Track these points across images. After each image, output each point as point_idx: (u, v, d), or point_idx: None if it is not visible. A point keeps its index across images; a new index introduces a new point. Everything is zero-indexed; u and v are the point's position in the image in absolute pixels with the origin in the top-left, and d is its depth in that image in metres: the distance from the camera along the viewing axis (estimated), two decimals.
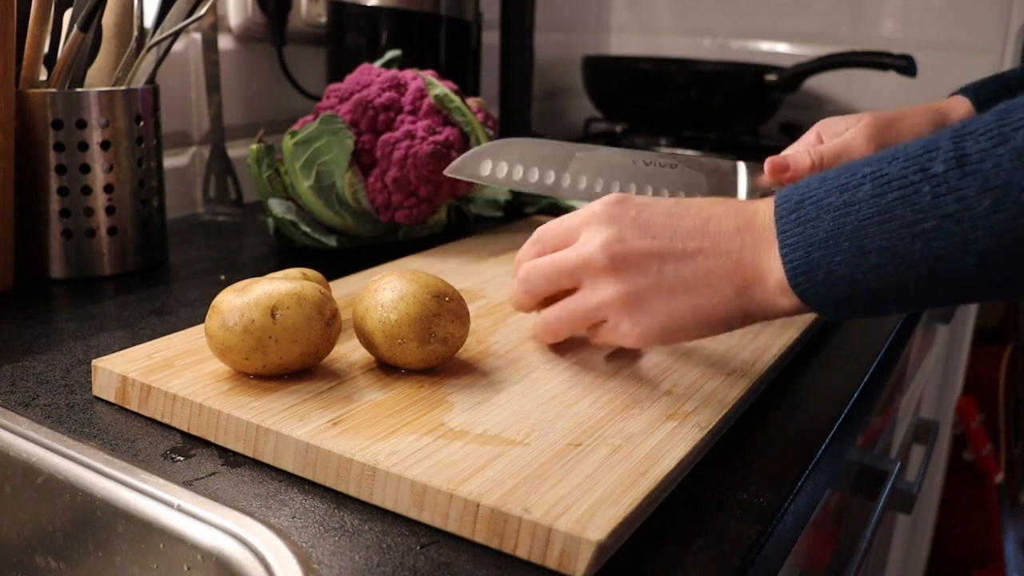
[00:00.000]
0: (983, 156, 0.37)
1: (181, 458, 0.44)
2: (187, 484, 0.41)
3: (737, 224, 0.45)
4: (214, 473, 0.42)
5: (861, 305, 0.42)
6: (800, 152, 0.64)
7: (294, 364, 0.47)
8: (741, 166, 0.66)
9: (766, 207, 0.45)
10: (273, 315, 0.45)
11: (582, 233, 0.49)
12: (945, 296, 0.40)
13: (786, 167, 0.63)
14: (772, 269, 0.44)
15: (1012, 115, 0.37)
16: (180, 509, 0.39)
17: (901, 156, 0.40)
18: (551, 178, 0.66)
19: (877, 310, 0.42)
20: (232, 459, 0.44)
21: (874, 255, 0.40)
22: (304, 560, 0.36)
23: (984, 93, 0.73)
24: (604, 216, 0.48)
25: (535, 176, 0.66)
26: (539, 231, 0.53)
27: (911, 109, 0.71)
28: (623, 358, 0.53)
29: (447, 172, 0.67)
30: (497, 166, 0.67)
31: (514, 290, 0.54)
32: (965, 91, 0.74)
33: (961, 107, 0.72)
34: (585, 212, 0.50)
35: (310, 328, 0.46)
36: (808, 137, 0.70)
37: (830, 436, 0.49)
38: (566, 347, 0.54)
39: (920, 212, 0.38)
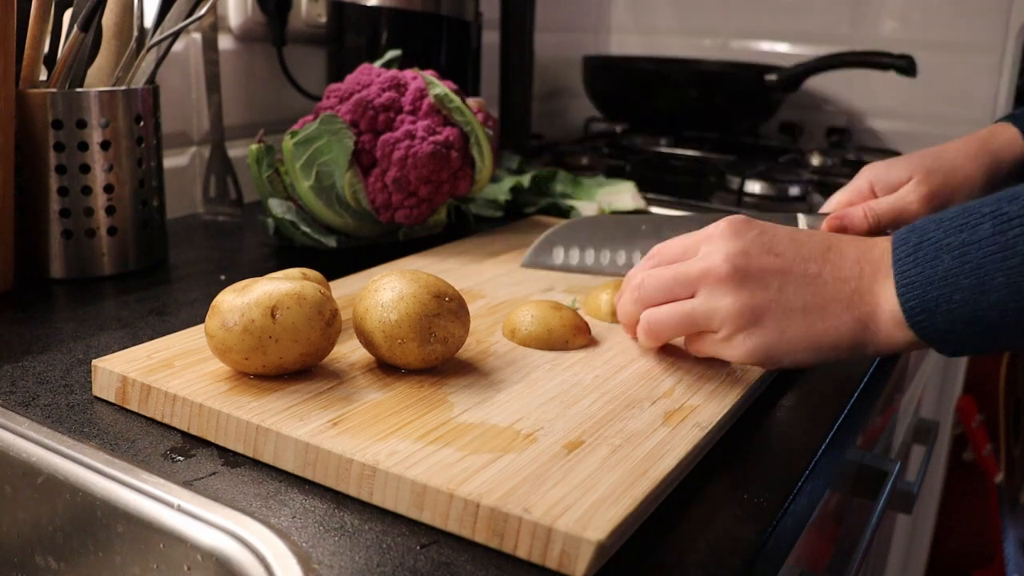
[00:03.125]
0: None
1: (181, 458, 0.44)
2: (187, 484, 0.41)
3: (857, 254, 0.47)
4: (214, 473, 0.42)
5: (979, 341, 0.43)
6: (857, 213, 0.67)
7: (294, 364, 0.47)
8: (801, 217, 0.69)
9: (884, 241, 0.46)
10: (273, 315, 0.45)
11: (703, 247, 0.50)
12: None
13: (843, 228, 0.66)
14: (888, 301, 0.45)
15: None
16: (180, 509, 0.39)
17: (1021, 196, 0.41)
18: (623, 258, 0.70)
19: (995, 346, 0.43)
20: (232, 459, 0.44)
21: (994, 292, 0.41)
22: (304, 560, 0.36)
23: None
24: (728, 232, 0.49)
25: (607, 258, 0.70)
26: (656, 248, 0.53)
27: (956, 150, 0.72)
28: (623, 358, 0.53)
29: (523, 264, 0.71)
30: (569, 253, 0.71)
31: (623, 299, 0.53)
32: (1011, 119, 0.74)
33: (1006, 135, 0.72)
34: (707, 230, 0.50)
35: (310, 328, 0.46)
36: (860, 185, 0.72)
37: (830, 436, 0.49)
38: (564, 346, 0.54)
39: None
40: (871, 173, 0.72)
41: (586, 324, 0.56)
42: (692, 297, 0.49)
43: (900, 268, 0.44)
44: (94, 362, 0.49)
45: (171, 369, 0.48)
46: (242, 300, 0.46)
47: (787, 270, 0.47)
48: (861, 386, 0.55)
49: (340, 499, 0.40)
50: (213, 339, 0.46)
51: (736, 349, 0.48)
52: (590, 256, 0.70)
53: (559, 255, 0.71)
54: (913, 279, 0.44)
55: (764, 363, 0.48)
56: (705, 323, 0.48)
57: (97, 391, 0.49)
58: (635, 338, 0.54)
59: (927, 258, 0.43)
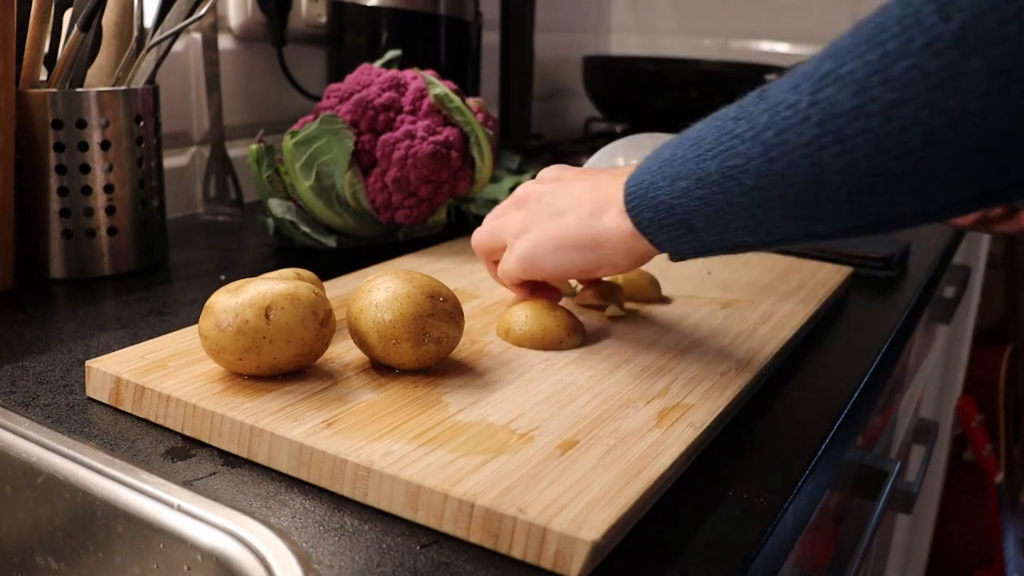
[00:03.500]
0: (778, 87, 0.41)
1: (181, 458, 0.44)
2: (187, 484, 0.41)
3: (613, 171, 0.53)
4: (214, 473, 0.42)
5: (678, 233, 0.47)
6: None
7: (288, 365, 0.47)
8: None
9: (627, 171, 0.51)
10: (267, 315, 0.45)
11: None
12: (736, 228, 0.45)
13: None
14: (618, 192, 0.50)
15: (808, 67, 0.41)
16: (180, 509, 0.40)
17: (746, 102, 0.44)
18: None
19: (697, 244, 0.47)
20: (232, 459, 0.44)
21: (683, 180, 0.45)
22: (304, 560, 0.36)
23: None
24: (531, 180, 0.59)
25: None
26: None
27: None
28: (617, 357, 0.53)
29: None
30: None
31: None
32: None
33: None
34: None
35: (304, 328, 0.46)
36: None
37: (830, 436, 0.49)
38: (559, 346, 0.54)
39: (722, 134, 0.43)
40: None
41: (580, 324, 0.56)
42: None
43: (633, 171, 0.49)
44: (88, 363, 0.49)
45: (165, 370, 0.48)
46: (235, 301, 0.46)
47: (555, 188, 0.55)
48: (861, 386, 0.55)
49: (340, 499, 0.41)
50: (207, 340, 0.46)
51: (509, 259, 0.56)
52: None
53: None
54: (640, 172, 0.48)
55: (529, 267, 0.54)
56: (500, 236, 0.57)
57: (91, 392, 0.49)
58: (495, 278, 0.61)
59: (656, 154, 0.48)
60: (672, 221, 0.46)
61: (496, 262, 0.60)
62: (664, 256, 0.51)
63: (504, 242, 0.57)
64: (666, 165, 0.47)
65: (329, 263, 0.73)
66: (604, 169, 0.55)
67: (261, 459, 0.43)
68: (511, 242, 0.56)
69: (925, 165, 0.37)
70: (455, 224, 0.85)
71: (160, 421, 0.46)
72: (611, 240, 0.50)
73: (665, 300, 0.64)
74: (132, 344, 0.52)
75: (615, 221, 0.50)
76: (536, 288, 0.60)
